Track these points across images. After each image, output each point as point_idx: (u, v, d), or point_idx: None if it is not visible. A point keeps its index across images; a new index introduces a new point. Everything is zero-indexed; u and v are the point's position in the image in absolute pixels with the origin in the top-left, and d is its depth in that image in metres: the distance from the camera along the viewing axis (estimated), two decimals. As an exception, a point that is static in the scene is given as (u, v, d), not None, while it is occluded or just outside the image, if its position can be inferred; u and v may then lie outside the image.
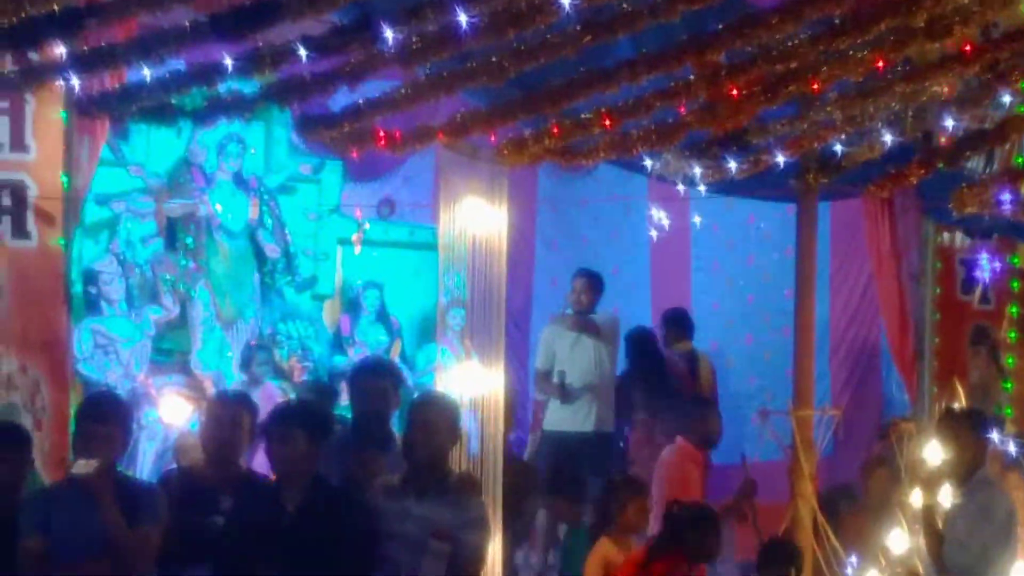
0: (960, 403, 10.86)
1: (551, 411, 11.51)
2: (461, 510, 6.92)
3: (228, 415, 7.48)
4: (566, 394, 11.36)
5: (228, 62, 7.40)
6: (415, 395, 9.32)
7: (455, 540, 6.79)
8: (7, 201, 8.67)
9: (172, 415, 11.55)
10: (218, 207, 12.32)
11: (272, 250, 12.57)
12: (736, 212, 13.65)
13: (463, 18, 6.79)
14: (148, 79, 7.81)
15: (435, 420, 7.10)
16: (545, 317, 13.62)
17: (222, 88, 8.09)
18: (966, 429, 8.71)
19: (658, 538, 8.67)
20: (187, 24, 6.95)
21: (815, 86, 7.86)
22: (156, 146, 12.17)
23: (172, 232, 12.31)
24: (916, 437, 10.92)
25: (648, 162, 9.14)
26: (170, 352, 12.22)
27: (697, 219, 12.83)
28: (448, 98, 8.24)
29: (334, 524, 6.78)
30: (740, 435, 13.75)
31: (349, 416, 9.31)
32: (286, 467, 6.99)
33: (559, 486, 10.68)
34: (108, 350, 11.71)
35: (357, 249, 13.06)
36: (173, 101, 8.17)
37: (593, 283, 11.69)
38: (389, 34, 6.96)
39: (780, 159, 9.05)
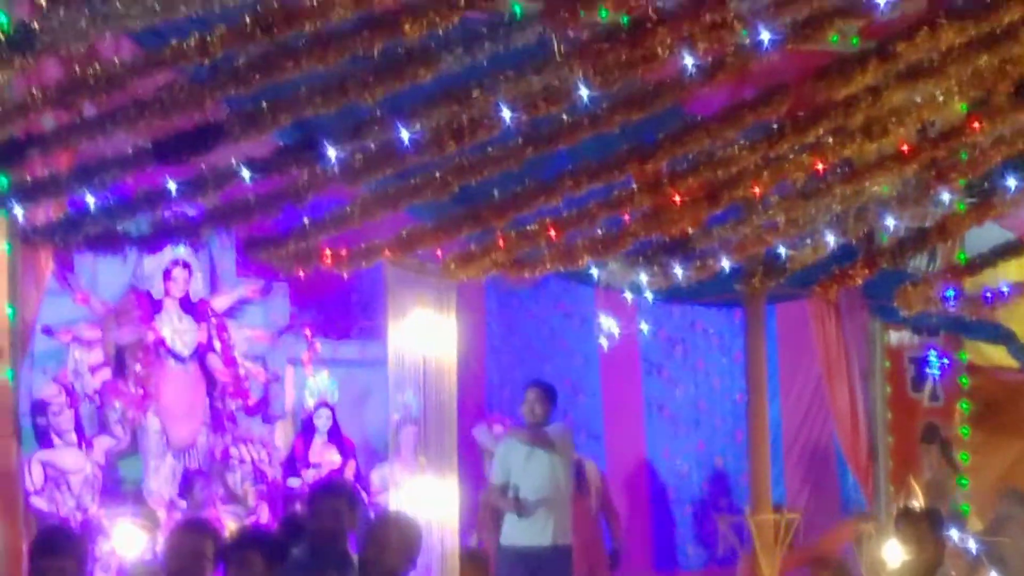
0: (918, 501, 10.88)
1: (508, 525, 11.43)
2: None
3: (189, 544, 7.39)
4: (522, 508, 11.28)
5: (172, 187, 7.40)
6: (371, 515, 9.26)
7: None
8: (-48, 335, 8.59)
9: (126, 546, 11.43)
10: (166, 333, 12.27)
11: (222, 374, 12.52)
12: (683, 317, 13.71)
13: (405, 134, 6.83)
14: (92, 207, 7.80)
15: (391, 539, 7.05)
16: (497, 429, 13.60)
17: (166, 213, 8.07)
18: (924, 529, 8.68)
19: None
20: (129, 150, 6.96)
21: (756, 190, 7.94)
22: (102, 274, 12.14)
23: (120, 360, 12.24)
24: (875, 537, 10.93)
25: (594, 271, 9.18)
26: (122, 481, 12.10)
27: (644, 326, 12.88)
28: (393, 214, 8.27)
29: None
30: (693, 541, 13.75)
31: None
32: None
33: None
34: (59, 482, 11.60)
35: (308, 370, 13.02)
36: (118, 228, 8.15)
37: (545, 394, 11.64)
38: (332, 153, 6.99)
39: (725, 264, 9.10)
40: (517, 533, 11.30)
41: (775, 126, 7.32)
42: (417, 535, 7.18)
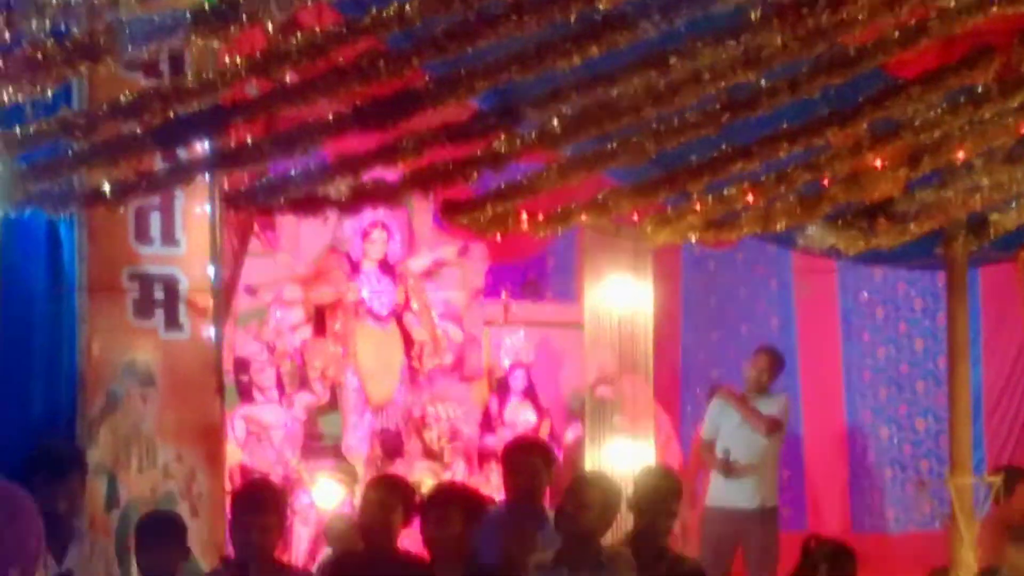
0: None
1: (714, 486, 11.35)
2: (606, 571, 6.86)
3: (382, 499, 7.48)
4: (730, 469, 11.18)
5: (371, 152, 7.48)
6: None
7: None
8: (160, 295, 8.80)
9: (325, 499, 11.64)
10: (365, 293, 12.44)
11: (419, 334, 12.65)
12: (885, 280, 13.51)
13: (603, 99, 6.81)
14: (293, 171, 7.93)
15: (593, 499, 7.04)
16: (692, 393, 13.57)
17: (366, 177, 8.17)
18: None
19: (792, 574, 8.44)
20: (330, 117, 7.04)
21: (959, 154, 7.78)
22: (303, 235, 12.34)
23: (320, 319, 12.44)
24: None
25: (793, 235, 9.08)
26: (321, 437, 12.31)
27: (843, 290, 12.72)
28: (590, 178, 8.26)
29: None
30: (895, 505, 13.58)
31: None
32: (441, 549, 6.98)
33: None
34: (260, 437, 11.84)
35: (504, 331, 13.10)
36: (319, 191, 8.27)
37: (774, 362, 11.46)
38: (530, 118, 7.00)
39: (928, 227, 8.94)
40: (723, 494, 11.23)
41: (979, 89, 7.16)
42: (617, 497, 7.16)
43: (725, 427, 11.33)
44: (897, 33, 6.39)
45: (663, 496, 7.44)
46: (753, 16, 6.09)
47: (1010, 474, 11.10)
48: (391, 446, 12.07)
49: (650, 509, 7.41)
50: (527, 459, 7.88)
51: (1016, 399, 13.25)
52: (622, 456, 11.09)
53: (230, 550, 7.20)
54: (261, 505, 6.90)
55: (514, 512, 7.68)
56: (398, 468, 11.97)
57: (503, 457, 8.25)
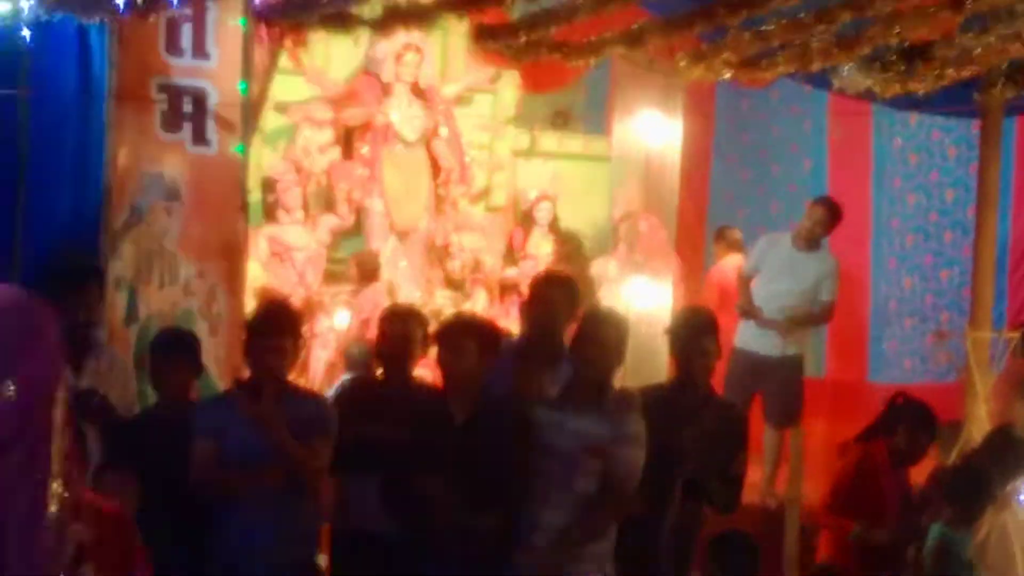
0: None
1: (742, 328, 11.28)
2: (617, 426, 6.83)
3: (399, 328, 7.49)
4: (758, 316, 11.09)
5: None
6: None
7: (609, 456, 6.74)
8: (188, 108, 8.74)
9: (346, 323, 11.68)
10: (394, 116, 12.36)
11: (447, 160, 12.59)
12: (919, 127, 13.38)
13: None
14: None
15: (608, 337, 7.01)
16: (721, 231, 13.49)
17: (400, -3, 8.08)
18: None
19: (872, 424, 8.44)
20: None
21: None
22: (334, 55, 12.22)
23: (349, 141, 12.39)
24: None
25: (829, 75, 8.96)
26: (345, 261, 12.30)
27: (878, 134, 12.59)
28: (625, 8, 8.15)
29: (501, 438, 6.77)
30: (912, 355, 13.58)
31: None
32: (456, 378, 6.99)
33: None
34: (283, 257, 11.85)
35: (532, 161, 13.02)
36: (351, 10, 8.17)
37: (833, 216, 11.23)
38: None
39: (966, 73, 8.81)
40: (749, 339, 11.18)
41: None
42: (626, 334, 7.13)
43: (766, 268, 11.19)
44: None
45: (698, 333, 7.43)
46: None
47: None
48: (368, 268, 11.97)
49: (687, 347, 7.44)
50: (548, 293, 7.83)
51: (1042, 255, 13.20)
52: (641, 293, 11.08)
53: (246, 370, 7.22)
54: (277, 327, 6.90)
55: (529, 346, 7.67)
56: (420, 296, 12.00)
57: (528, 288, 8.23)
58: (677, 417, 7.16)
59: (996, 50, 8.46)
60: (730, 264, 12.45)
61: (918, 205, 13.79)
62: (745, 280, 11.22)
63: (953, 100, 9.94)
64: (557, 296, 7.78)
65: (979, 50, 8.41)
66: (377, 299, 11.54)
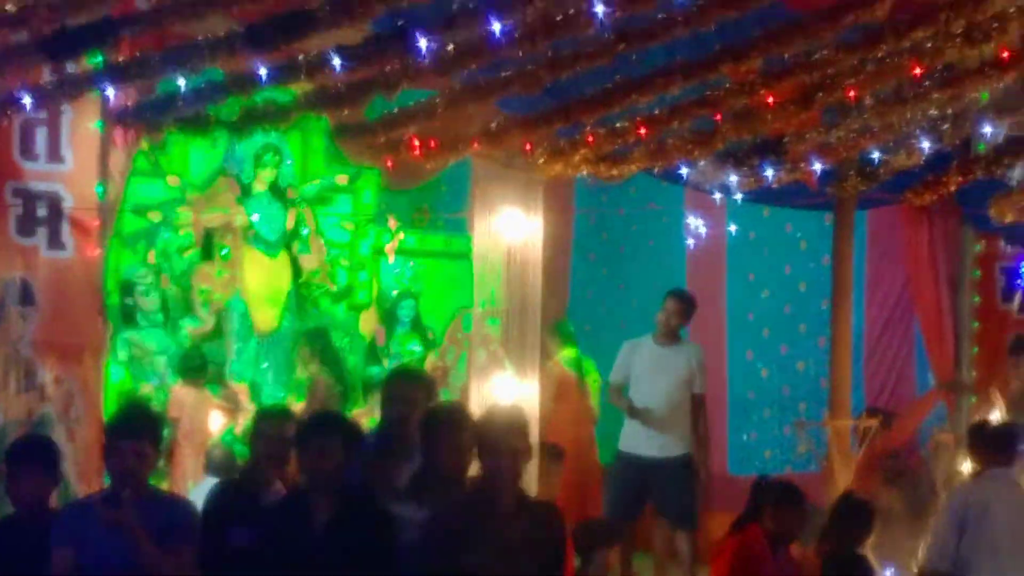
0: (1000, 413, 10.79)
1: (626, 431, 11.33)
2: None
3: (272, 428, 7.46)
4: (636, 412, 11.13)
5: (264, 72, 7.39)
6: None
7: None
8: (43, 212, 8.67)
9: (208, 427, 11.55)
10: (255, 217, 12.32)
11: (308, 260, 12.56)
12: (773, 221, 13.59)
13: (497, 27, 6.77)
14: (183, 89, 7.82)
15: (454, 437, 7.02)
16: (581, 327, 13.58)
17: (258, 98, 8.08)
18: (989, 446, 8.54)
19: (742, 513, 8.54)
20: (222, 34, 6.95)
21: (851, 94, 7.82)
22: (193, 157, 12.19)
23: (208, 243, 12.32)
24: (952, 449, 10.86)
25: (684, 171, 9.10)
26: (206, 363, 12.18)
27: (733, 228, 12.77)
28: (483, 107, 8.22)
29: (364, 535, 6.73)
30: (773, 445, 13.71)
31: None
32: (320, 478, 6.93)
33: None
34: (143, 361, 11.72)
35: (392, 259, 13.06)
36: (209, 111, 8.17)
37: (685, 306, 11.37)
38: (424, 43, 6.94)
39: (817, 167, 9.00)
40: (632, 441, 11.23)
41: (874, 28, 7.19)
42: (471, 427, 7.11)
43: (635, 372, 11.29)
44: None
45: (505, 432, 6.79)
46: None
47: (886, 417, 11.30)
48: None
49: (493, 450, 6.78)
50: (403, 389, 7.84)
51: (895, 343, 13.41)
52: (506, 391, 11.07)
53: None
54: (137, 430, 6.80)
55: (383, 441, 7.66)
56: (285, 397, 11.92)
57: (385, 384, 8.20)
58: (482, 526, 6.69)
59: (847, 144, 8.66)
60: (566, 357, 12.64)
61: (772, 297, 13.99)
62: (616, 389, 11.32)
63: (806, 193, 10.13)
64: (412, 391, 7.80)
65: (829, 144, 8.61)
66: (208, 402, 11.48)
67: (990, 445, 8.41)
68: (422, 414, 7.52)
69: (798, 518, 8.41)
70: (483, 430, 6.91)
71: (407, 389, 7.80)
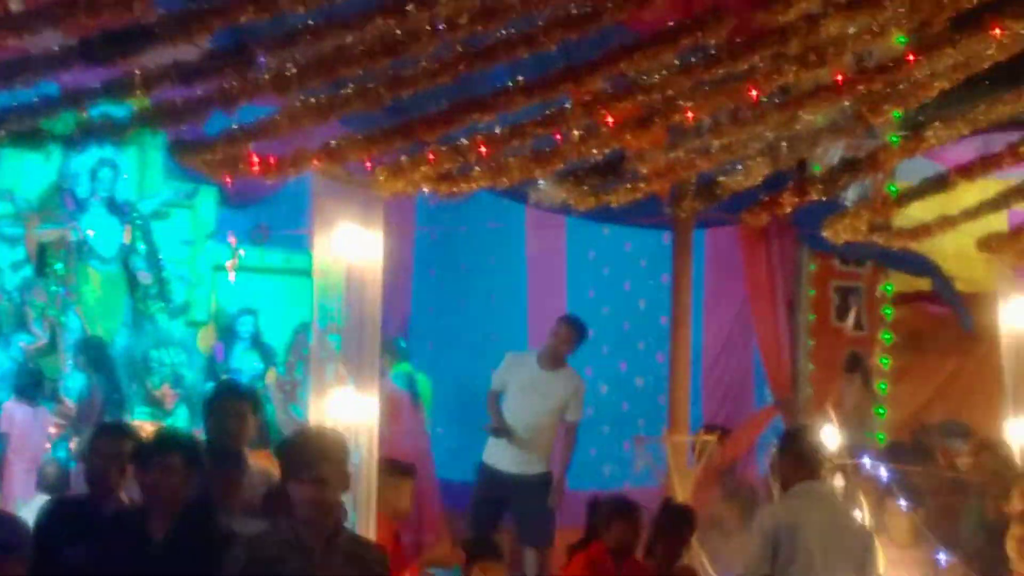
0: (834, 428, 10.96)
1: (490, 444, 11.34)
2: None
3: (107, 446, 7.36)
4: (501, 432, 11.15)
5: (99, 86, 7.28)
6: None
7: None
8: None
9: (41, 443, 11.37)
10: (90, 232, 12.18)
11: (145, 276, 12.43)
12: (612, 239, 13.69)
13: (337, 45, 6.74)
14: (16, 103, 7.67)
15: (324, 470, 6.90)
16: (423, 343, 13.59)
17: (94, 112, 7.95)
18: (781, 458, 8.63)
19: (584, 532, 8.72)
20: (56, 48, 6.83)
21: (689, 115, 7.89)
22: (27, 171, 12.00)
23: (42, 258, 12.14)
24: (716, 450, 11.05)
25: (525, 189, 9.12)
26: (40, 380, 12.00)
27: (572, 246, 12.86)
28: (323, 124, 8.17)
29: (202, 552, 6.64)
30: (611, 460, 13.80)
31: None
32: (160, 494, 6.84)
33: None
34: (-25, 377, 11.52)
35: (232, 275, 12.95)
36: (43, 125, 8.01)
37: (578, 334, 11.37)
38: (263, 60, 6.88)
39: (657, 187, 9.07)
40: (495, 456, 11.25)
41: (712, 51, 7.27)
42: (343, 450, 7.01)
43: (512, 387, 11.31)
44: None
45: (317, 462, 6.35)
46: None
47: (723, 432, 11.43)
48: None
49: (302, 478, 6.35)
50: (234, 403, 7.82)
51: (733, 360, 13.58)
52: (344, 407, 11.03)
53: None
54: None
55: (214, 454, 7.58)
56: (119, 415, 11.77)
57: (210, 400, 8.14)
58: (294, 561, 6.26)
59: (685, 164, 8.75)
60: (397, 374, 12.68)
61: (612, 314, 14.10)
62: (493, 396, 11.32)
63: (645, 212, 10.22)
64: (240, 405, 7.78)
65: (668, 165, 8.69)
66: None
67: (796, 458, 8.44)
68: (257, 427, 7.49)
69: (634, 531, 8.62)
70: (291, 455, 6.46)
71: (233, 403, 7.78)
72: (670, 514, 8.93)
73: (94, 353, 12.00)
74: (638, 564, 8.64)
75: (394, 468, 9.46)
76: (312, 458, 6.29)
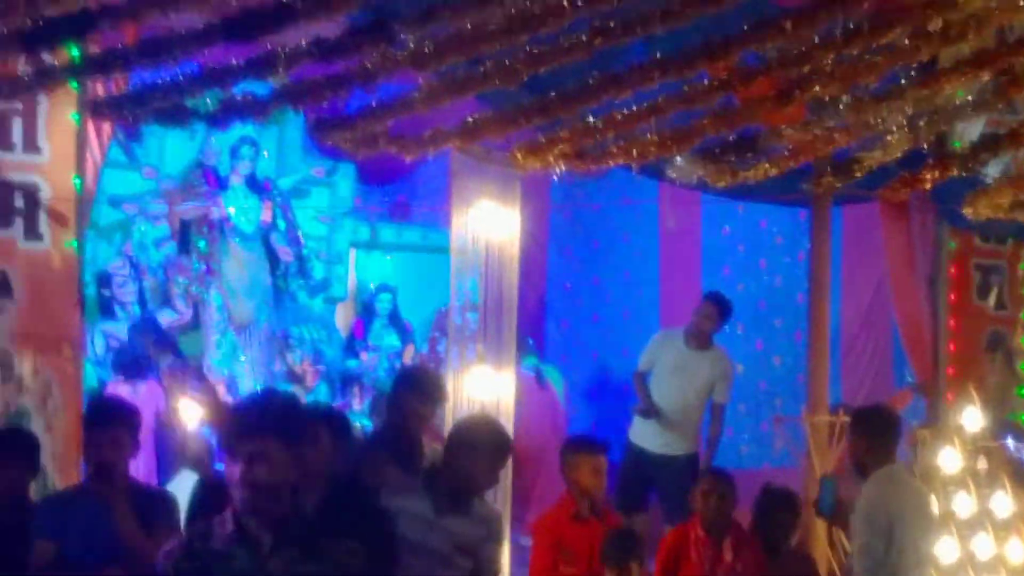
0: (975, 409, 10.84)
1: (636, 423, 11.38)
2: (487, 526, 6.86)
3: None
4: (650, 412, 11.16)
5: (241, 64, 7.38)
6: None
7: (478, 555, 6.77)
8: (20, 203, 8.64)
9: (186, 418, 11.54)
10: (231, 210, 12.32)
11: (285, 253, 12.57)
12: (747, 216, 13.63)
13: (475, 21, 6.77)
14: (161, 81, 7.80)
15: (478, 444, 6.95)
16: (558, 321, 13.62)
17: (235, 90, 8.06)
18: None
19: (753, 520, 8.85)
20: (199, 27, 6.93)
21: (828, 91, 7.83)
22: (169, 149, 12.19)
23: (185, 235, 12.32)
24: (931, 443, 10.89)
25: (661, 166, 9.11)
26: (182, 355, 12.19)
27: (707, 223, 12.79)
28: (462, 101, 8.22)
29: (355, 522, 6.69)
30: (750, 441, 13.75)
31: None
32: (307, 467, 6.90)
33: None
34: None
35: (371, 252, 13.06)
36: (186, 103, 8.14)
37: (722, 311, 11.37)
38: (403, 37, 6.94)
39: (794, 164, 9.02)
40: (642, 435, 11.30)
41: (851, 26, 7.20)
42: (501, 441, 7.05)
43: (659, 366, 11.31)
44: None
45: (475, 445, 6.87)
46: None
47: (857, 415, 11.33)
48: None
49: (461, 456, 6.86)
50: (403, 395, 7.87)
51: (872, 338, 13.46)
52: (483, 386, 11.09)
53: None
54: (113, 419, 6.82)
55: (383, 440, 7.65)
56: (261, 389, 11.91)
57: (394, 384, 8.22)
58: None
59: (823, 141, 8.67)
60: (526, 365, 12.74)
61: (747, 292, 14.03)
62: (640, 377, 11.34)
63: (782, 189, 10.15)
64: (410, 397, 7.82)
65: (806, 141, 8.62)
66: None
67: (877, 441, 8.28)
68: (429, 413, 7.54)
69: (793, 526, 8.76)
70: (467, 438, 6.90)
71: (404, 396, 7.82)
72: (772, 499, 8.85)
73: None
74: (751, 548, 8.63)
75: (582, 445, 9.40)
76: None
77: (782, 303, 13.77)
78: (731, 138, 8.60)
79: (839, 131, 8.58)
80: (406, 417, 7.79)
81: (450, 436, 7.05)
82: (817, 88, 7.78)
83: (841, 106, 8.17)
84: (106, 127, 9.05)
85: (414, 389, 8.01)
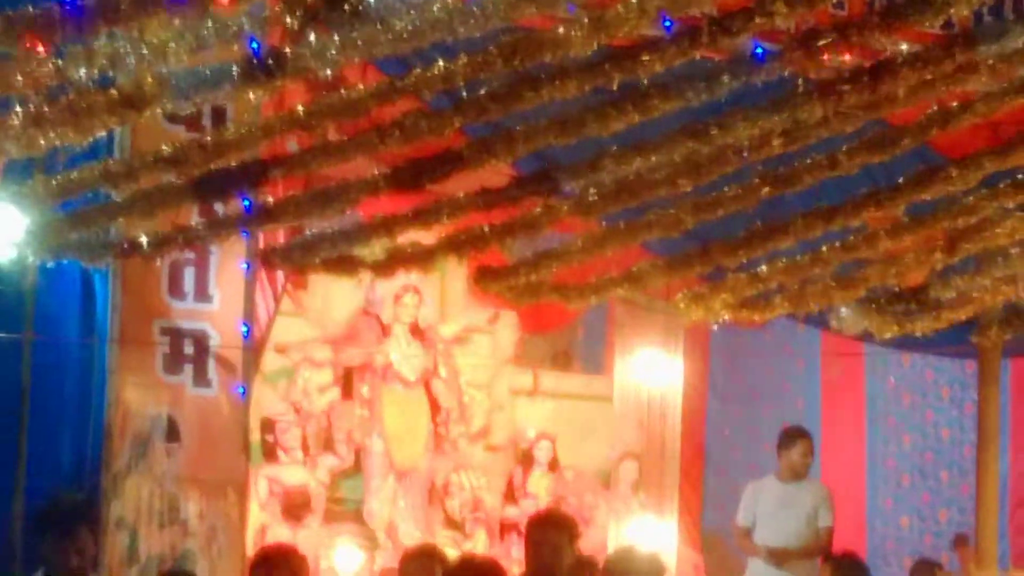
0: None
1: (751, 568, 11.21)
2: None
3: (421, 568, 7.50)
4: (774, 558, 11.00)
5: (408, 214, 7.50)
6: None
7: None
8: (190, 350, 8.82)
9: (345, 564, 11.59)
10: (394, 357, 12.42)
11: (446, 399, 12.62)
12: (913, 367, 13.46)
13: (641, 169, 6.82)
14: (329, 230, 7.95)
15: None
16: (716, 470, 13.49)
17: (400, 238, 8.18)
18: None
19: None
20: (368, 176, 7.07)
21: (996, 241, 7.76)
22: (334, 296, 12.34)
23: (348, 381, 12.43)
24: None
25: (825, 316, 9.05)
26: (343, 501, 12.26)
27: (871, 373, 12.64)
28: (624, 249, 8.26)
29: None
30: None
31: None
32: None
33: None
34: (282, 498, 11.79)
35: (531, 400, 13.06)
36: (354, 253, 8.28)
37: (812, 445, 11.27)
38: (568, 185, 7.01)
39: (962, 315, 8.90)
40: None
41: (1020, 175, 7.15)
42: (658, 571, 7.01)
43: (761, 513, 11.17)
44: (938, 111, 6.38)
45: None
46: (795, 90, 6.10)
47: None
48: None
49: None
50: (549, 534, 7.79)
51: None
52: (644, 535, 11.01)
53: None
54: (278, 567, 6.85)
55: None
56: (420, 536, 11.91)
57: (526, 530, 8.17)
58: None
59: (991, 292, 8.56)
60: None
61: (913, 445, 13.81)
62: (743, 532, 11.19)
63: (949, 341, 10.02)
64: (557, 536, 7.74)
65: (975, 293, 8.51)
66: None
67: None
68: (568, 556, 7.49)
69: None
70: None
71: (549, 533, 7.76)
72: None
73: None
74: None
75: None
76: None
77: (949, 456, 13.53)
78: (896, 289, 8.53)
79: (1007, 282, 8.47)
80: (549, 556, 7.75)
81: (606, 564, 7.01)
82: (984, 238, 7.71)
83: (1008, 256, 8.08)
84: (277, 276, 9.23)
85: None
